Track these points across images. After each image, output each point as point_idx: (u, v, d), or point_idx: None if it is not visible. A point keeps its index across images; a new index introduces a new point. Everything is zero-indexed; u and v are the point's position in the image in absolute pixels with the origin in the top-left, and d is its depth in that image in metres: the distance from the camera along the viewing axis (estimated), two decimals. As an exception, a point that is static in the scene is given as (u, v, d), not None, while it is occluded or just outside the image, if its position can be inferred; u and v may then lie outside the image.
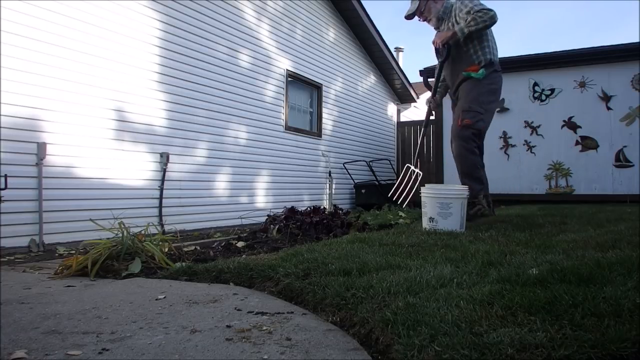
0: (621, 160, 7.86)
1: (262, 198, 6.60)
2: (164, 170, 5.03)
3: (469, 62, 3.70)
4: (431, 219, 3.27)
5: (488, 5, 3.58)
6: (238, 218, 5.59)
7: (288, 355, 1.16)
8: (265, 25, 6.78)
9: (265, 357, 1.15)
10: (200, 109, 5.55)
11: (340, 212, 4.17)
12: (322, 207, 4.26)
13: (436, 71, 4.00)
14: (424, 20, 3.92)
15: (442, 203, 3.23)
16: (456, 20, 3.66)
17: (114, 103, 4.54)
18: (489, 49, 3.72)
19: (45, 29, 3.94)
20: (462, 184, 3.59)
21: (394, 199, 3.75)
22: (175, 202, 5.22)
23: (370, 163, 9.16)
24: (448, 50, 3.77)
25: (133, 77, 4.75)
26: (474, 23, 3.50)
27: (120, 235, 2.65)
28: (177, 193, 5.23)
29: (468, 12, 3.54)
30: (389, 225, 4.27)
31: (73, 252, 3.36)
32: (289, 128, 7.23)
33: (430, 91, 4.17)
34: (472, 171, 3.62)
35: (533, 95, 8.48)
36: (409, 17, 3.92)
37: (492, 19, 3.51)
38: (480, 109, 3.67)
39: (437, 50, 3.85)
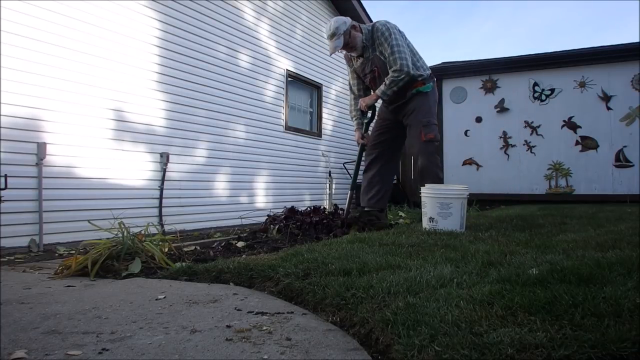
0: (621, 160, 7.86)
1: (262, 198, 6.60)
2: (164, 170, 5.03)
3: (412, 80, 3.81)
4: (431, 219, 3.27)
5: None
6: (238, 218, 5.59)
7: (288, 355, 1.16)
8: (265, 26, 6.78)
9: (265, 357, 1.15)
10: (200, 109, 5.55)
11: (340, 212, 4.17)
12: (322, 207, 4.26)
13: (362, 128, 4.16)
14: (348, 52, 3.96)
15: (442, 203, 3.23)
16: (382, 53, 3.78)
17: (114, 103, 4.54)
18: (423, 64, 3.93)
19: (45, 29, 3.93)
20: None
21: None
22: (175, 202, 5.22)
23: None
24: (373, 111, 4.06)
25: (133, 77, 4.75)
26: (394, 84, 3.70)
27: (120, 235, 2.65)
28: (177, 193, 5.23)
29: (392, 52, 3.68)
30: (389, 225, 4.27)
31: (73, 252, 3.36)
32: (289, 128, 7.23)
33: None
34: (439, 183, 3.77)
35: (533, 95, 8.49)
36: (334, 52, 3.93)
37: (407, 74, 3.68)
38: (434, 120, 3.86)
39: (362, 112, 4.10)
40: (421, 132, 3.76)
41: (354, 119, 4.24)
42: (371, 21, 9.00)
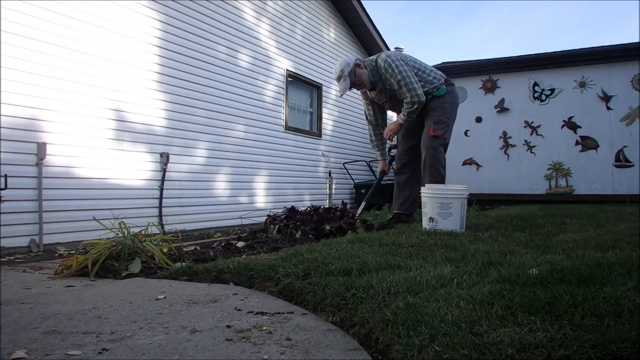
0: (621, 160, 7.86)
1: (262, 198, 6.60)
2: (164, 170, 5.03)
3: (427, 94, 3.91)
4: (431, 219, 3.27)
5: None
6: (238, 218, 5.59)
7: (288, 355, 1.16)
8: (265, 25, 6.78)
9: (265, 357, 1.15)
10: (200, 109, 5.55)
11: (340, 211, 4.17)
12: (322, 207, 4.26)
13: (388, 158, 4.37)
14: (358, 89, 4.09)
15: (442, 203, 3.23)
16: (390, 85, 3.88)
17: (114, 103, 4.54)
18: (435, 75, 3.99)
19: (45, 29, 3.93)
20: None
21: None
22: (175, 202, 5.22)
23: (370, 163, 9.16)
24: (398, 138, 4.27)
25: (133, 77, 4.75)
26: (412, 113, 3.85)
27: (120, 235, 2.65)
28: (177, 193, 5.23)
29: (399, 86, 3.77)
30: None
31: (73, 252, 3.36)
32: (289, 128, 7.23)
33: None
34: (440, 181, 3.80)
35: (533, 95, 8.48)
36: (344, 93, 4.07)
37: (420, 103, 3.80)
38: (447, 120, 3.93)
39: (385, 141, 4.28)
40: (431, 127, 3.85)
41: (375, 148, 4.33)
42: (371, 21, 9.01)
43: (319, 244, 2.72)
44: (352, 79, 3.87)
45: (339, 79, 3.89)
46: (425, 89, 3.86)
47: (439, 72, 4.06)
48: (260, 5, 6.65)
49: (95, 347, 1.22)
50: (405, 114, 3.89)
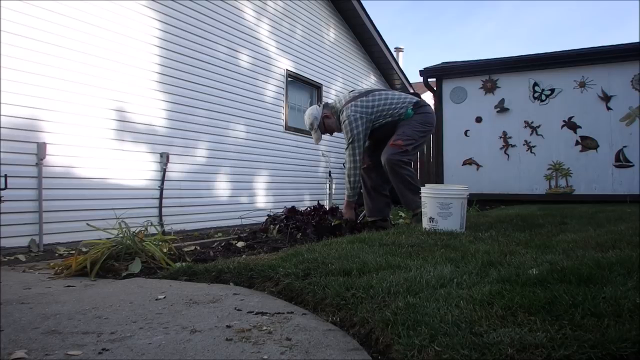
0: (621, 160, 7.85)
1: (262, 198, 6.60)
2: (164, 170, 5.03)
3: (395, 124, 3.95)
4: (431, 219, 3.27)
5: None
6: (238, 218, 5.59)
7: (288, 355, 1.16)
8: (265, 25, 6.78)
9: (265, 357, 1.15)
10: (200, 109, 5.55)
11: (341, 212, 4.17)
12: (322, 207, 4.26)
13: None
14: (331, 134, 4.37)
15: (442, 203, 3.23)
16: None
17: (114, 103, 4.54)
18: (402, 102, 3.98)
19: (45, 29, 3.93)
20: (403, 199, 3.84)
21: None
22: (175, 202, 5.21)
23: (370, 163, 9.15)
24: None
25: (133, 77, 4.75)
26: (351, 186, 3.93)
27: (121, 235, 2.65)
28: (177, 193, 5.23)
29: (347, 145, 3.93)
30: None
31: (73, 252, 3.36)
32: (289, 128, 7.23)
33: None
34: (409, 183, 3.76)
35: (533, 95, 8.48)
36: (318, 142, 4.35)
37: (356, 164, 3.88)
38: (414, 135, 3.90)
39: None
40: (393, 139, 3.83)
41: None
42: (371, 21, 9.00)
43: (319, 244, 2.72)
44: (322, 129, 4.17)
45: (310, 130, 4.18)
46: (395, 119, 3.92)
47: (409, 98, 4.05)
48: (260, 5, 6.65)
49: (95, 347, 1.22)
50: (346, 189, 3.97)
